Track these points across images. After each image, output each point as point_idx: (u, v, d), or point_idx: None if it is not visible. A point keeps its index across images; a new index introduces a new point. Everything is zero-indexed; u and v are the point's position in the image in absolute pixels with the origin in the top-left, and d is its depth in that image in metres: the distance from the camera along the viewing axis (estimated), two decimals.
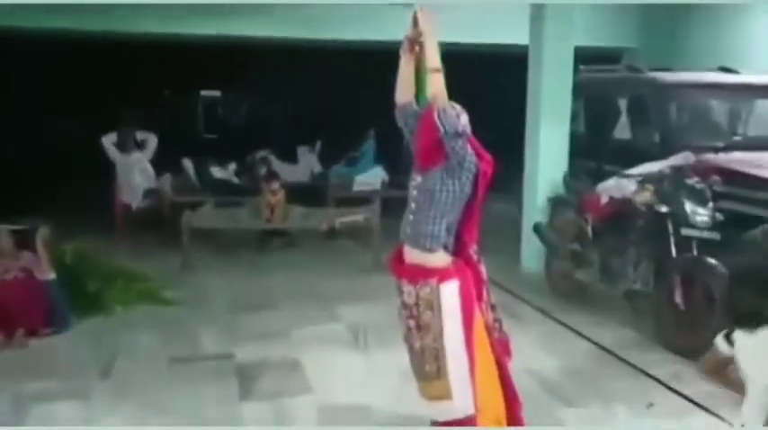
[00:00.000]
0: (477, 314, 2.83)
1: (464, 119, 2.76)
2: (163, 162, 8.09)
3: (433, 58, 2.80)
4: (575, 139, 6.24)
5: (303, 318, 5.07)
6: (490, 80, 8.88)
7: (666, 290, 4.46)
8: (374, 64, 9.01)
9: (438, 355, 2.77)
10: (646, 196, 4.72)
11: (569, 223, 5.55)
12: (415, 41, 2.89)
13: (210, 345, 4.58)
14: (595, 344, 4.57)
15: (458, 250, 2.87)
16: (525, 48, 6.29)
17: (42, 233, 4.92)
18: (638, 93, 6.10)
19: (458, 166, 2.74)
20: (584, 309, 5.24)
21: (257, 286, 5.96)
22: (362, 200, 7.54)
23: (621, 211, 4.96)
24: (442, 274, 2.78)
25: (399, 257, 2.94)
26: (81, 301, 5.09)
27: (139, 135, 7.99)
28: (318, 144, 9.42)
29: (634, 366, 4.19)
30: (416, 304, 2.79)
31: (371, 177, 8.41)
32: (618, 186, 5.06)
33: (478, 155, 2.82)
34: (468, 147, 2.77)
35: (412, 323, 2.82)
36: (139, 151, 7.89)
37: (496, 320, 2.98)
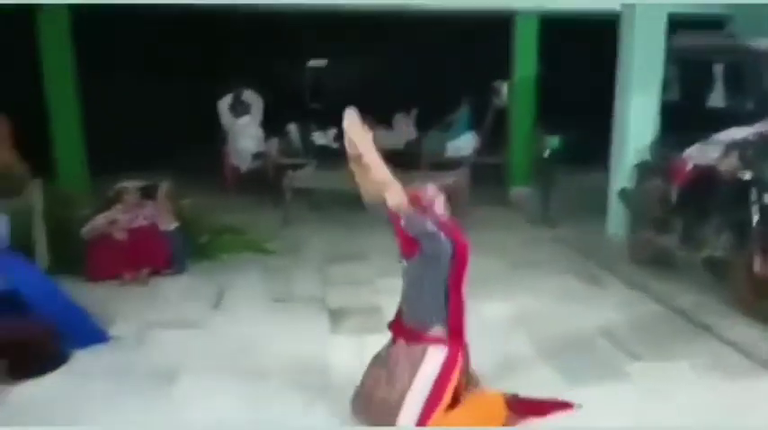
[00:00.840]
0: (452, 381, 2.96)
1: (437, 206, 3.00)
2: (270, 127, 8.74)
3: (378, 173, 2.88)
4: (666, 106, 6.21)
5: (388, 270, 5.47)
6: (582, 47, 8.78)
7: (747, 257, 4.49)
8: (469, 33, 9.24)
9: (393, 412, 2.89)
10: (730, 162, 4.71)
11: (654, 189, 5.58)
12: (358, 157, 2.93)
13: (305, 289, 5.09)
14: (672, 308, 4.69)
15: (450, 322, 3.02)
16: (617, 14, 6.29)
17: (164, 187, 5.61)
18: (733, 60, 5.98)
19: (433, 257, 2.92)
20: (664, 274, 5.32)
21: (348, 240, 6.45)
22: (454, 165, 7.81)
23: (705, 178, 4.96)
24: (437, 341, 2.99)
25: (399, 319, 3.17)
26: (194, 250, 5.78)
27: (249, 101, 8.68)
28: (414, 111, 9.70)
29: (708, 329, 4.29)
30: (398, 358, 2.99)
31: (464, 143, 8.64)
32: (703, 152, 5.06)
33: (454, 237, 2.97)
34: (442, 235, 2.91)
35: (383, 373, 3.01)
36: (249, 116, 8.58)
37: (469, 383, 3.16)
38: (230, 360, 3.90)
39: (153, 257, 5.33)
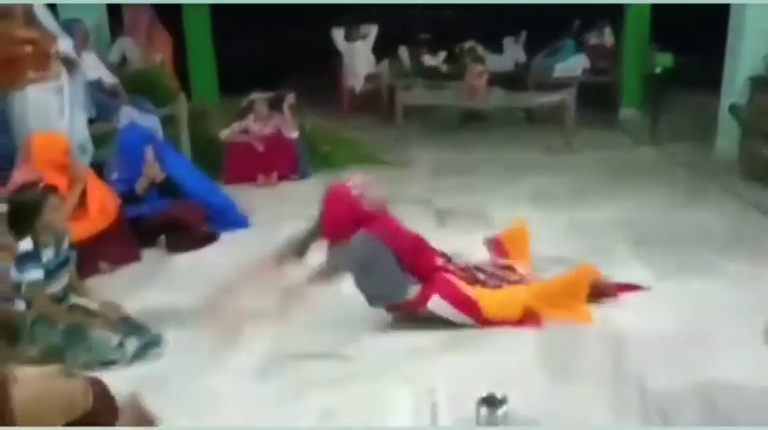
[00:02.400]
0: (465, 288, 3.27)
1: (365, 194, 3.45)
2: (382, 52, 9.15)
3: None
4: None
5: (492, 181, 5.87)
6: None
7: None
8: None
9: None
10: None
11: None
12: None
13: (415, 194, 5.58)
14: None
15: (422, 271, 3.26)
16: None
17: (289, 99, 6.21)
18: None
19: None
20: None
21: (456, 156, 6.85)
22: (561, 85, 7.92)
23: None
24: (422, 301, 3.21)
25: None
26: (316, 159, 6.39)
27: (363, 29, 9.11)
28: (524, 34, 9.76)
29: None
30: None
31: (573, 64, 8.67)
32: None
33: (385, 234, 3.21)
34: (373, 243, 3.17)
35: None
36: (363, 41, 9.03)
37: (478, 270, 3.48)
38: None
39: (281, 163, 5.99)
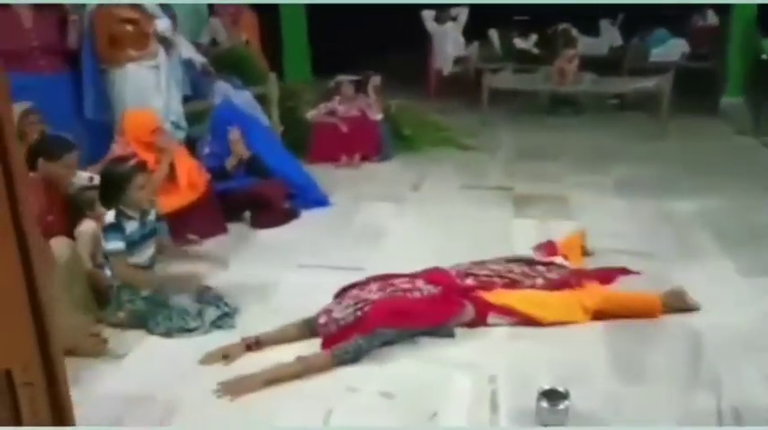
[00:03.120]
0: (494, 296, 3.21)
1: None
2: (472, 34, 9.04)
3: None
4: None
5: (577, 169, 5.72)
6: None
7: None
8: None
9: None
10: None
11: None
12: None
13: (495, 180, 5.54)
14: None
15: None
16: None
17: (374, 81, 6.27)
18: None
19: None
20: None
21: (542, 141, 6.72)
22: (658, 70, 7.57)
23: None
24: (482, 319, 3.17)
25: None
26: (399, 142, 6.44)
27: (453, 11, 9.01)
28: (621, 16, 9.37)
29: None
30: None
31: (670, 49, 8.26)
32: None
33: None
34: None
35: None
36: (452, 23, 8.94)
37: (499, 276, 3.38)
38: (426, 226, 4.53)
39: (365, 144, 6.08)
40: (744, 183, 5.21)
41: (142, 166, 3.31)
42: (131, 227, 3.22)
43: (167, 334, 3.13)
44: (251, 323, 3.23)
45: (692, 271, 3.69)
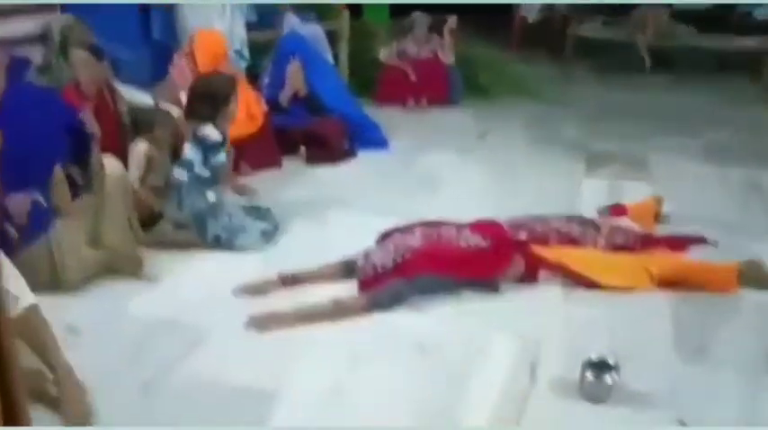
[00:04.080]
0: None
1: None
2: None
3: None
4: None
5: (663, 130, 5.27)
6: None
7: None
8: None
9: None
10: None
11: None
12: None
13: (570, 135, 5.17)
14: None
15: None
16: None
17: (451, 23, 5.93)
18: None
19: None
20: None
21: (628, 99, 6.23)
22: (763, 30, 6.85)
23: None
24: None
25: None
26: (472, 88, 6.12)
27: None
28: None
29: None
30: None
31: None
32: None
33: None
34: None
35: None
36: None
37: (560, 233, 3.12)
38: (488, 178, 4.26)
39: (433, 88, 5.80)
40: None
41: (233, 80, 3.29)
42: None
43: (216, 241, 3.21)
44: (291, 253, 3.15)
45: None
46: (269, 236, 3.31)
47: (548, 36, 8.14)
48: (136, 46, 4.00)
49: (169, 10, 4.47)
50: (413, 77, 5.80)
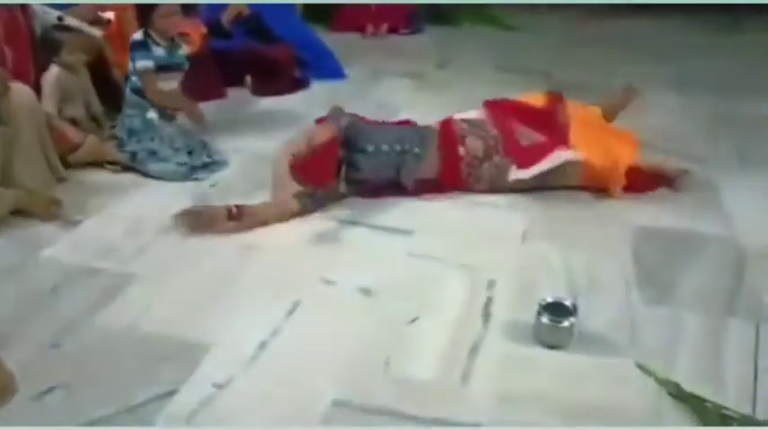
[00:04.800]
0: None
1: None
2: None
3: None
4: None
5: (631, 58, 5.02)
6: None
7: None
8: None
9: None
10: None
11: None
12: None
13: (535, 64, 4.89)
14: None
15: None
16: None
17: None
18: None
19: None
20: None
21: (600, 30, 5.91)
22: None
23: None
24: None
25: None
26: (435, 15, 5.77)
27: None
28: None
29: None
30: None
31: None
32: None
33: None
34: None
35: None
36: None
37: None
38: (445, 106, 3.98)
39: (393, 14, 5.44)
40: None
41: None
42: (158, 51, 3.09)
43: (132, 158, 3.07)
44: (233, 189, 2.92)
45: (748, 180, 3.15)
46: (196, 170, 3.08)
47: None
48: None
49: None
50: (372, 2, 5.43)
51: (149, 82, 3.07)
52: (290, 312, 2.19)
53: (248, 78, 4.11)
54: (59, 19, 3.25)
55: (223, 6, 4.13)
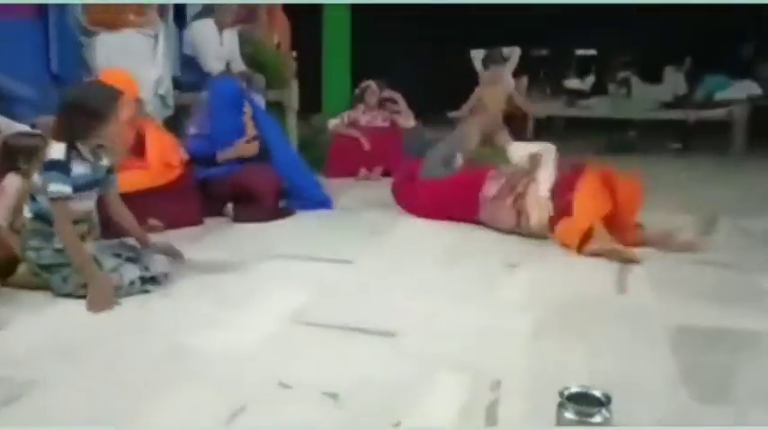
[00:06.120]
0: None
1: None
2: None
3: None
4: None
5: None
6: None
7: None
8: None
9: None
10: None
11: None
12: None
13: None
14: None
15: None
16: None
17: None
18: None
19: None
20: None
21: None
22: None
23: None
24: None
25: None
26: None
27: (506, 51, 8.45)
28: (688, 61, 8.55)
29: None
30: None
31: (737, 90, 7.37)
32: None
33: None
34: None
35: None
36: (503, 64, 8.37)
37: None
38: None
39: (387, 157, 5.33)
40: None
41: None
42: (80, 169, 2.57)
43: (75, 293, 2.50)
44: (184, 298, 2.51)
45: None
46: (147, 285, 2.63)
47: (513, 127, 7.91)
48: (38, 82, 3.52)
49: (75, 45, 4.04)
50: (366, 146, 5.39)
51: (62, 214, 2.50)
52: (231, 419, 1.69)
53: (230, 206, 3.87)
54: (32, 126, 3.10)
55: (223, 142, 4.01)
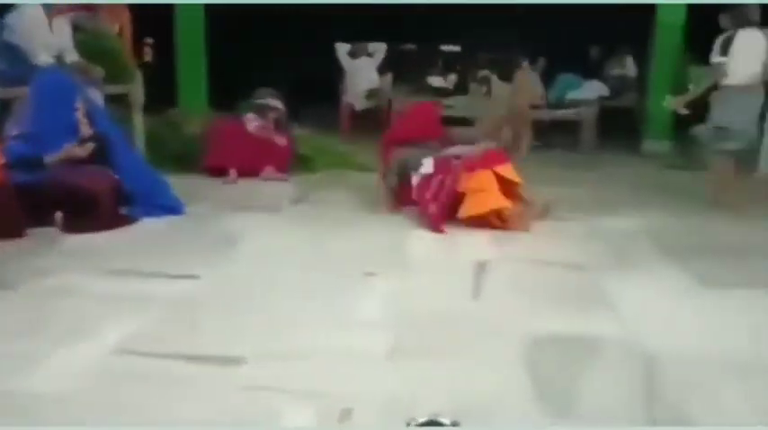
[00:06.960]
0: None
1: None
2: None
3: None
4: None
5: None
6: None
7: None
8: None
9: None
10: None
11: None
12: None
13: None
14: None
15: None
16: None
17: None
18: None
19: None
20: None
21: None
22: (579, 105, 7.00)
23: None
24: None
25: None
26: (297, 161, 5.50)
27: (371, 46, 8.39)
28: (541, 61, 8.89)
29: None
30: None
31: (586, 92, 7.78)
32: None
33: None
34: None
35: None
36: (368, 58, 8.29)
37: None
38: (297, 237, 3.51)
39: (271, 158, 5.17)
40: (679, 203, 4.49)
41: None
42: None
43: None
44: None
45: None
46: None
47: (377, 124, 7.82)
48: None
49: None
50: (251, 146, 5.12)
51: None
52: None
53: (58, 215, 3.43)
54: None
55: (51, 143, 3.55)
